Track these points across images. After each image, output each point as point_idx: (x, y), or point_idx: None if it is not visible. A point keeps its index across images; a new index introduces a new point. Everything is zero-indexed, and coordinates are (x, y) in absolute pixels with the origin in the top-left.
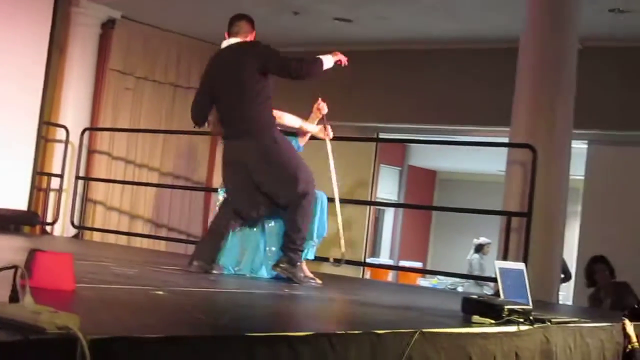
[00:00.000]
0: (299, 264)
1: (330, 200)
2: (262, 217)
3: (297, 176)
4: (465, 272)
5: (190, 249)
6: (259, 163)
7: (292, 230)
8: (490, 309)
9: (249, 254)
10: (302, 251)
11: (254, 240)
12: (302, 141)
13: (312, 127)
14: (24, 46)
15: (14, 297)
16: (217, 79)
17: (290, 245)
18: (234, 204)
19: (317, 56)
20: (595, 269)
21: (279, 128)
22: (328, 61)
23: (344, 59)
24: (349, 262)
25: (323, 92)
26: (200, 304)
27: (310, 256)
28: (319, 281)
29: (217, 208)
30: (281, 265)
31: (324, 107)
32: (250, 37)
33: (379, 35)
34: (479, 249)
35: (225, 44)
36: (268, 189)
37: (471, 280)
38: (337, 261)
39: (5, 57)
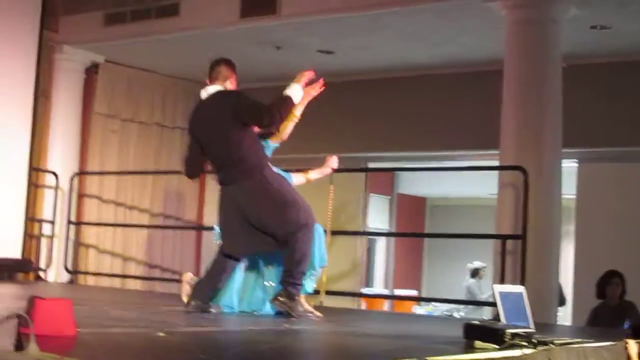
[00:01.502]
0: (297, 298)
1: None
2: (260, 254)
3: (293, 210)
4: (460, 297)
5: None
6: (251, 201)
7: (291, 264)
8: (493, 334)
9: (250, 291)
10: (300, 285)
11: (254, 277)
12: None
13: (317, 175)
14: (9, 94)
15: (19, 346)
16: (201, 130)
17: (289, 280)
18: (227, 249)
19: (285, 93)
20: (610, 282)
21: (271, 166)
22: (296, 92)
23: (309, 75)
24: (345, 294)
25: (310, 124)
26: (201, 343)
27: (309, 289)
28: (318, 314)
29: (215, 242)
30: (279, 299)
31: (334, 164)
32: (230, 81)
33: (362, 65)
34: (475, 273)
35: (203, 94)
36: (264, 226)
37: (470, 306)
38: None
39: None
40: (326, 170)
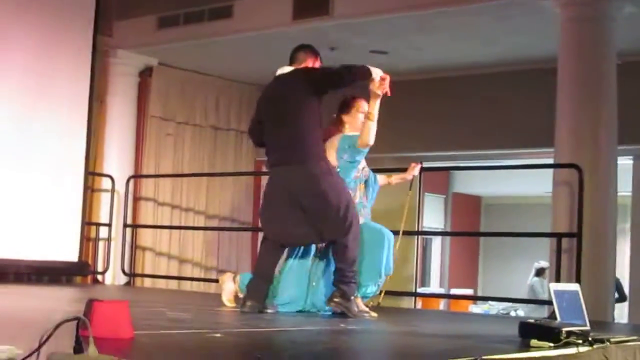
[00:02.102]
0: (352, 297)
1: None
2: (305, 246)
3: (349, 208)
4: (517, 295)
5: None
6: (306, 190)
7: (343, 263)
8: (548, 332)
9: (302, 290)
10: (354, 284)
11: (305, 275)
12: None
13: (399, 180)
14: (65, 100)
15: (78, 348)
16: (266, 106)
17: (343, 279)
18: (272, 235)
19: (365, 66)
20: None
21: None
22: (376, 73)
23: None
24: (401, 294)
25: None
26: (258, 343)
27: (371, 294)
28: (373, 314)
29: None
30: (335, 300)
31: (416, 171)
32: (306, 64)
33: (416, 65)
34: (540, 272)
35: (278, 72)
36: (313, 221)
37: (530, 305)
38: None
39: (47, 112)
40: (408, 176)
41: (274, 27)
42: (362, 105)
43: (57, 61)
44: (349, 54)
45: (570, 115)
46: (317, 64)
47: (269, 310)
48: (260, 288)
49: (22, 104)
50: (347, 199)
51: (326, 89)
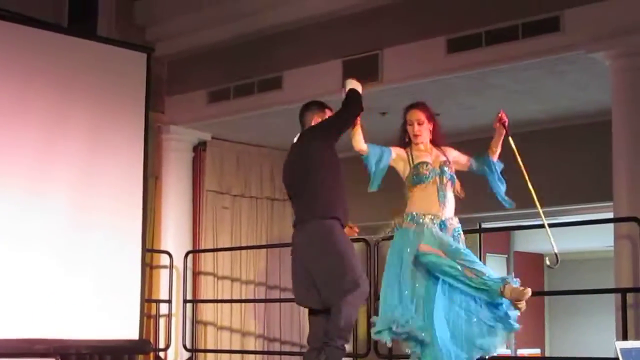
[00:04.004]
0: None
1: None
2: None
3: (347, 274)
4: (585, 354)
5: None
6: (308, 247)
7: (333, 327)
8: None
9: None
10: (342, 351)
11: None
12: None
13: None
14: (119, 177)
15: None
16: (286, 175)
17: (330, 343)
18: (298, 299)
19: (351, 89)
20: None
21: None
22: (357, 86)
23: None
24: None
25: None
26: None
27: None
28: None
29: None
30: None
31: (504, 117)
32: (314, 123)
33: (468, 125)
34: None
35: (294, 140)
36: (319, 284)
37: None
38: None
39: (103, 190)
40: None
41: (324, 95)
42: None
43: (110, 140)
44: (400, 117)
45: (627, 168)
46: (327, 114)
47: None
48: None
49: (78, 183)
50: (349, 263)
51: (339, 134)
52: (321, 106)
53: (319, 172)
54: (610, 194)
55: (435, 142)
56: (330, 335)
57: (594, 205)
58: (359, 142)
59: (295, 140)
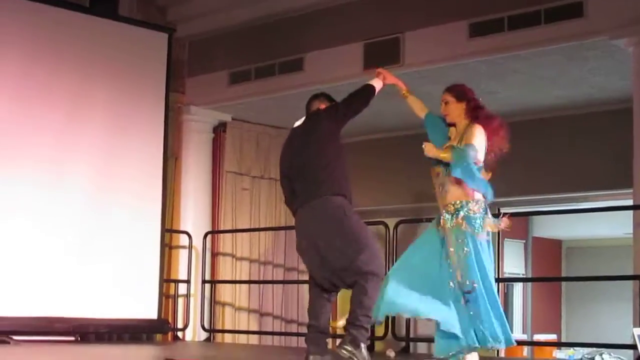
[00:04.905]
0: (362, 345)
1: None
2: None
3: (364, 253)
4: (602, 340)
5: None
6: (325, 231)
7: (357, 306)
8: None
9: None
10: (367, 330)
11: None
12: None
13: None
14: (139, 158)
15: None
16: (287, 159)
17: (355, 322)
18: (312, 275)
19: (368, 83)
20: None
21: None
22: (377, 85)
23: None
24: None
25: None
26: None
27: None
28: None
29: None
30: (345, 347)
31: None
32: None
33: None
34: None
35: (295, 124)
36: (332, 265)
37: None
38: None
39: (122, 171)
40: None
41: (345, 78)
42: None
43: (130, 120)
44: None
45: None
46: None
47: None
48: (317, 340)
49: (98, 164)
50: (365, 243)
51: (345, 119)
52: (330, 99)
53: (329, 147)
54: (631, 181)
55: (472, 120)
56: (355, 315)
57: (614, 192)
58: (419, 110)
59: (297, 124)
